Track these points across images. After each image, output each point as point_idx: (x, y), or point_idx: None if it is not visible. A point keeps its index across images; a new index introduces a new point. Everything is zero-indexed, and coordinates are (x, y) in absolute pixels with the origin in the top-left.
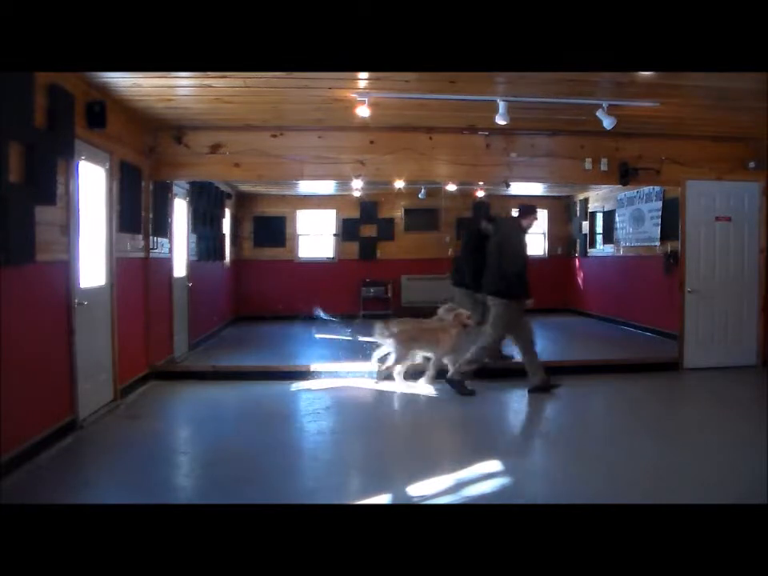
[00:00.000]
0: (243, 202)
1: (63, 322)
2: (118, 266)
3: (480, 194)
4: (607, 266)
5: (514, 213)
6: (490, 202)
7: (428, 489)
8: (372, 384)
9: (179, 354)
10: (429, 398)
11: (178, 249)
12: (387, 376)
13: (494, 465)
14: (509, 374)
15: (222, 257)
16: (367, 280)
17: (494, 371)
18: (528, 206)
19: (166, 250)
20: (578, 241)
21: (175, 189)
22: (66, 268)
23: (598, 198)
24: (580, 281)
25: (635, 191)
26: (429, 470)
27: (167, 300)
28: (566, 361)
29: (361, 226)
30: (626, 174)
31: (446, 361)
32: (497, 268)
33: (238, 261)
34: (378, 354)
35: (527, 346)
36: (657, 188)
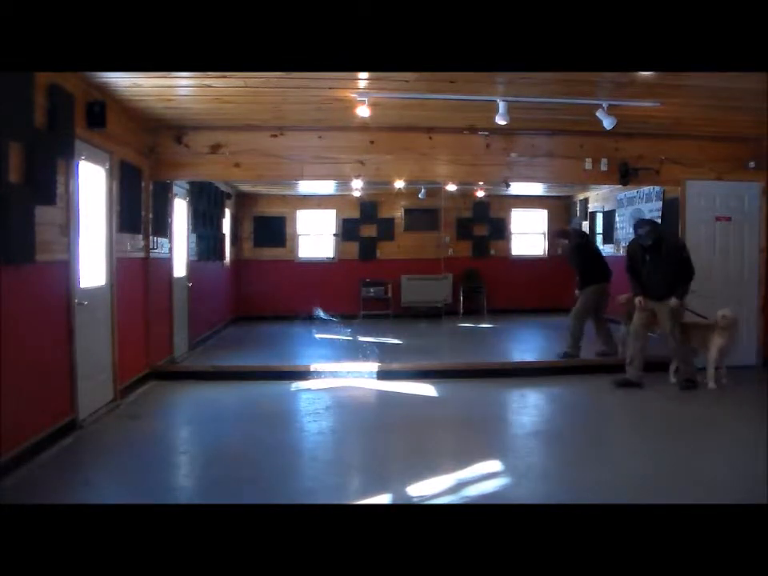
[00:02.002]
0: (243, 201)
1: (63, 322)
2: (118, 265)
3: (480, 193)
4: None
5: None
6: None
7: (428, 489)
8: (372, 384)
9: (179, 353)
10: (429, 398)
11: (178, 249)
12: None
13: (494, 465)
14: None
15: (222, 257)
16: (367, 280)
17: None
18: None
19: (166, 250)
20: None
21: (175, 189)
22: (66, 268)
23: (597, 197)
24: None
25: (635, 191)
26: (429, 469)
27: (167, 300)
28: (566, 360)
29: (361, 225)
30: (626, 174)
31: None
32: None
33: (237, 261)
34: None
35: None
36: (657, 188)
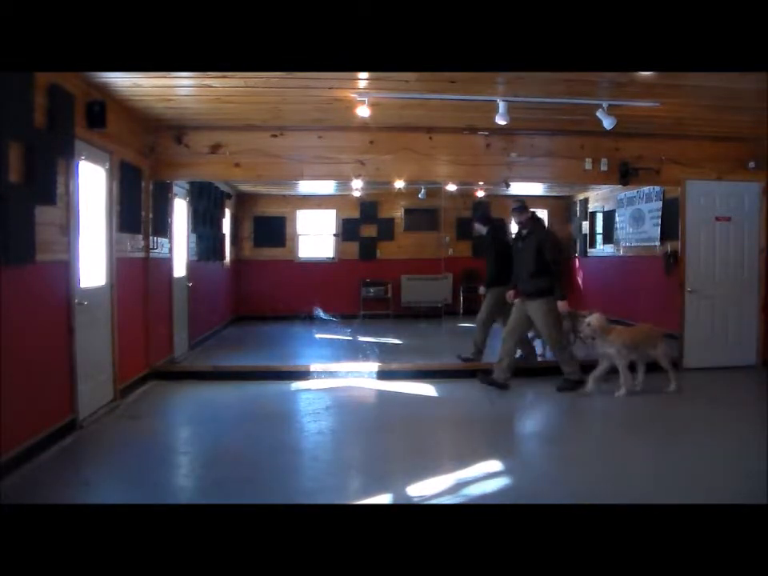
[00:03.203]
0: (243, 201)
1: (63, 322)
2: (118, 265)
3: (480, 193)
4: (607, 266)
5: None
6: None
7: (428, 489)
8: (372, 384)
9: (179, 353)
10: (429, 398)
11: (178, 249)
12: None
13: (494, 465)
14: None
15: (222, 257)
16: (367, 280)
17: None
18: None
19: (166, 250)
20: (578, 241)
21: (175, 189)
22: (66, 268)
23: (597, 197)
24: (580, 281)
25: (635, 191)
26: (429, 469)
27: (167, 300)
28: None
29: (361, 225)
30: (626, 174)
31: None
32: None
33: (237, 261)
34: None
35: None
36: (657, 188)
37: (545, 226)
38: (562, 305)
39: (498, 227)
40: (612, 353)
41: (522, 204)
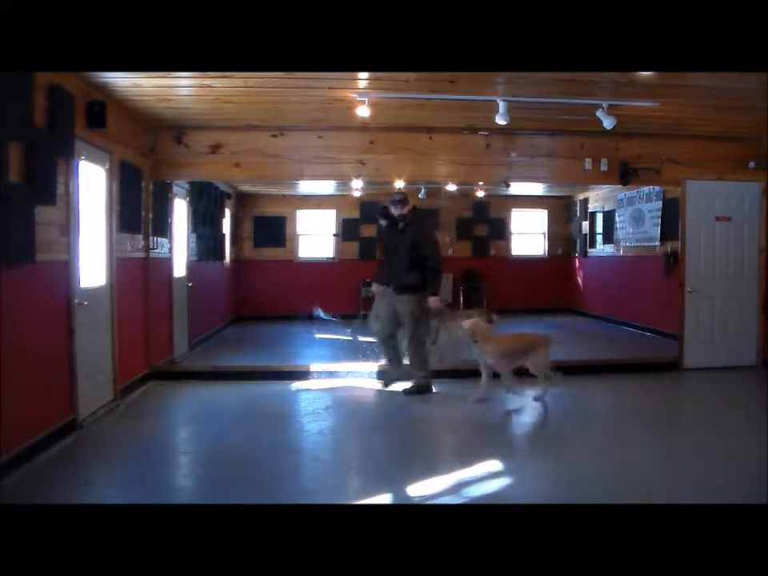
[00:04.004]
0: (243, 201)
1: (63, 322)
2: (118, 265)
3: (480, 193)
4: (607, 266)
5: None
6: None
7: (428, 489)
8: (372, 384)
9: (179, 353)
10: (428, 398)
11: (178, 249)
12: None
13: (494, 465)
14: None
15: (222, 257)
16: (367, 280)
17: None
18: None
19: (166, 250)
20: (578, 241)
21: (175, 189)
22: (66, 268)
23: (597, 197)
24: (580, 281)
25: (635, 191)
26: (429, 469)
27: (167, 300)
28: (566, 360)
29: (361, 225)
30: (626, 174)
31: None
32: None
33: (237, 261)
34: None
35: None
36: (657, 188)
37: (422, 221)
38: (434, 300)
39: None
40: (489, 361)
41: (404, 197)
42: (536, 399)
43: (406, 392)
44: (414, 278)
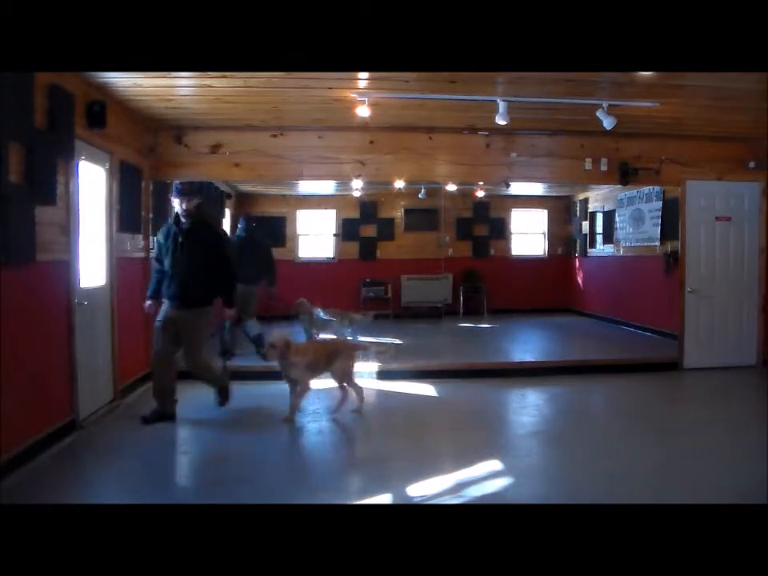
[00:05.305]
0: (243, 201)
1: (63, 322)
2: (118, 265)
3: (480, 193)
4: (607, 266)
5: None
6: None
7: (428, 489)
8: (372, 384)
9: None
10: (429, 398)
11: None
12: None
13: (494, 464)
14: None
15: None
16: (367, 280)
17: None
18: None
19: None
20: (578, 241)
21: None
22: (66, 268)
23: (597, 197)
24: (580, 281)
25: (635, 191)
26: (429, 469)
27: None
28: (566, 361)
29: (361, 225)
30: (626, 174)
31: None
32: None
33: None
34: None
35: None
36: (657, 188)
37: (214, 221)
38: (231, 313)
39: (251, 225)
40: (294, 375)
41: (191, 186)
42: (354, 411)
43: (220, 404)
44: (207, 290)
